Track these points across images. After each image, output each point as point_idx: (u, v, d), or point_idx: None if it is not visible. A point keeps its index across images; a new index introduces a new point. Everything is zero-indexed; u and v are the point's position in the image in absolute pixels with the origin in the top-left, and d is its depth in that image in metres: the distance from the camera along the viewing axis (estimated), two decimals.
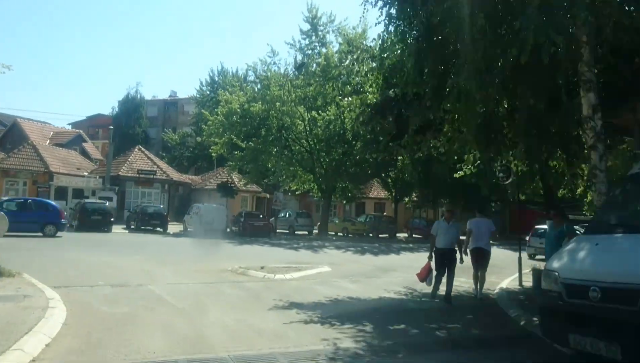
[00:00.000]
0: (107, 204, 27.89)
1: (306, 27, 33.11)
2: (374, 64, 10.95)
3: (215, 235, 26.32)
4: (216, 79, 58.93)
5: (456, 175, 14.79)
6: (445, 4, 6.53)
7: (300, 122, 33.22)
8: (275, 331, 6.76)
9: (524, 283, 12.53)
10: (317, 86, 33.20)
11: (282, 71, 34.54)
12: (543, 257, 21.21)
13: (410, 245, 27.87)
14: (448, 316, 8.34)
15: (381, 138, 11.44)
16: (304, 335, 6.64)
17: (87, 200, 28.78)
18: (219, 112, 33.57)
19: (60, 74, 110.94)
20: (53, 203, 23.44)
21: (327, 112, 32.79)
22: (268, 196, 43.76)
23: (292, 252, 20.50)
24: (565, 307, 4.90)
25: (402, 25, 7.21)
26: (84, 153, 45.42)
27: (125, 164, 37.47)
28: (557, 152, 10.22)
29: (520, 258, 13.32)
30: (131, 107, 61.67)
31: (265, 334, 6.58)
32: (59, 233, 21.56)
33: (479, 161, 12.97)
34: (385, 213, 41.58)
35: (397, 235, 35.52)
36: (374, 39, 8.18)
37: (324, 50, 32.30)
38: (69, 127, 58.77)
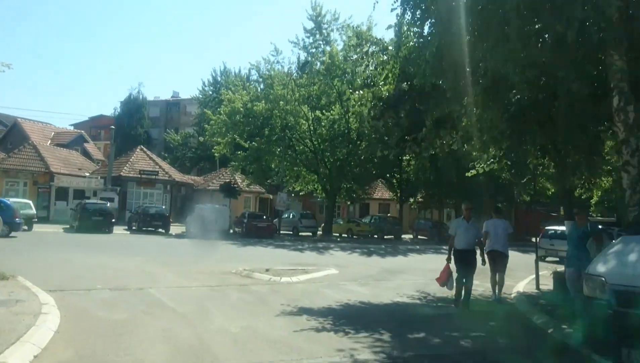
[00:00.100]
0: (108, 204, 27.42)
1: (310, 25, 32.62)
2: (385, 57, 10.40)
3: (218, 236, 25.85)
4: (219, 79, 58.56)
5: (468, 174, 14.25)
6: None
7: (304, 121, 32.73)
8: (285, 340, 6.24)
9: (541, 287, 12.01)
10: (321, 84, 32.76)
11: (286, 70, 34.08)
12: (554, 259, 20.81)
13: (417, 247, 27.31)
14: (469, 323, 7.80)
15: (394, 134, 10.89)
16: (316, 345, 6.11)
17: (87, 201, 28.29)
18: (222, 112, 33.09)
19: (62, 74, 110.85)
20: (7, 201, 22.12)
21: (332, 111, 32.33)
22: (271, 196, 43.26)
23: (297, 254, 19.99)
24: (616, 317, 4.34)
25: (420, 7, 6.62)
26: (86, 154, 44.99)
27: (127, 165, 37.00)
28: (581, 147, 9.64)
29: (537, 260, 12.81)
30: (133, 107, 61.38)
31: (274, 344, 6.05)
32: (13, 233, 20.34)
33: (494, 159, 12.40)
34: (389, 214, 41.03)
35: (403, 236, 34.95)
36: (390, 26, 7.63)
37: (328, 48, 31.80)
38: (71, 128, 58.42)
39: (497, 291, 10.40)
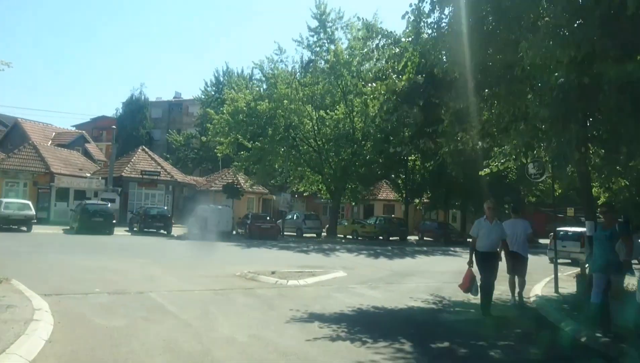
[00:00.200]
0: (109, 205, 26.92)
1: (314, 24, 32.10)
2: (397, 50, 9.85)
3: (220, 237, 25.36)
4: (221, 79, 58.19)
5: (482, 173, 13.67)
6: None
7: (308, 121, 32.27)
8: (297, 351, 5.70)
9: (560, 290, 11.46)
10: (325, 84, 32.31)
11: (290, 69, 33.58)
12: (566, 261, 20.25)
13: (424, 248, 26.74)
14: (493, 331, 7.25)
15: (407, 129, 10.34)
16: (333, 356, 5.57)
17: (88, 201, 27.79)
18: (225, 111, 32.61)
19: (64, 75, 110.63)
20: None
21: (336, 111, 31.86)
22: (274, 197, 42.77)
23: (302, 255, 19.47)
24: None
25: None
26: (87, 154, 44.52)
27: (129, 165, 36.51)
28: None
29: (555, 262, 12.24)
30: (135, 108, 61.02)
31: (286, 355, 5.52)
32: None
33: (510, 157, 11.83)
34: (393, 215, 40.47)
35: (408, 237, 34.38)
36: (407, 12, 7.09)
37: (332, 47, 31.33)
38: (73, 129, 58.00)
39: (516, 295, 9.88)
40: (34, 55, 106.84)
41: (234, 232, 29.27)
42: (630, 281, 8.56)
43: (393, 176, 36.27)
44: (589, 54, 4.84)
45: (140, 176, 36.11)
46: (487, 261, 8.20)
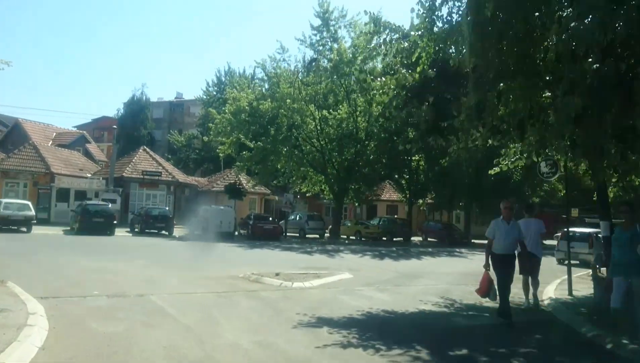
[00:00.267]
0: (109, 206, 26.60)
1: (317, 22, 31.74)
2: (406, 44, 9.48)
3: (223, 238, 25.04)
4: (223, 79, 57.89)
5: (491, 172, 13.32)
6: None
7: (310, 121, 31.91)
8: (307, 359, 5.35)
9: (573, 292, 11.10)
10: (328, 83, 31.98)
11: (292, 68, 33.22)
12: (574, 262, 19.83)
13: (429, 249, 26.36)
14: (512, 336, 6.88)
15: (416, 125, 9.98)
16: None
17: (88, 202, 27.47)
18: (227, 111, 32.25)
19: (66, 76, 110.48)
20: None
21: (339, 110, 31.51)
22: (276, 198, 42.43)
23: (306, 257, 19.12)
24: None
25: None
26: (88, 154, 44.21)
27: (130, 165, 36.19)
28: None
29: (569, 264, 11.88)
30: (136, 109, 60.69)
31: None
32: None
33: (522, 155, 11.45)
34: (395, 216, 40.11)
35: (412, 238, 33.99)
36: (419, 1, 6.74)
37: (335, 46, 30.97)
38: (74, 129, 57.72)
39: (530, 297, 9.53)
40: (36, 55, 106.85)
41: (236, 233, 28.92)
42: None
43: (397, 176, 35.88)
44: (627, 38, 4.50)
45: (142, 176, 35.80)
46: (504, 264, 7.76)
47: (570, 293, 11.10)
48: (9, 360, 4.67)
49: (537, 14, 5.83)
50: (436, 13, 7.03)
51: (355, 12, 43.04)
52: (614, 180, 12.55)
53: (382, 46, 10.10)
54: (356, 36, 30.75)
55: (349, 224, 34.92)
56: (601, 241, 23.47)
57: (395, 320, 7.82)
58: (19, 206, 23.78)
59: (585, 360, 6.03)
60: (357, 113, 31.83)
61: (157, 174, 36.58)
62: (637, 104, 4.95)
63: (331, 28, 31.55)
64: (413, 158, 34.38)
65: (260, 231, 27.51)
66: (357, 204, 39.48)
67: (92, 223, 24.19)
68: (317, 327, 6.92)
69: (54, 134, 45.62)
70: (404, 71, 9.28)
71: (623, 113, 5.27)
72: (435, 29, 8.13)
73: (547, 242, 32.41)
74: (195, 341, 5.96)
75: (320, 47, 31.90)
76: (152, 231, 27.11)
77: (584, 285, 12.47)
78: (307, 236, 31.83)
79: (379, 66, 26.43)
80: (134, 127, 58.47)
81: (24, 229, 23.17)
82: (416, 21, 9.28)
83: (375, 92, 11.72)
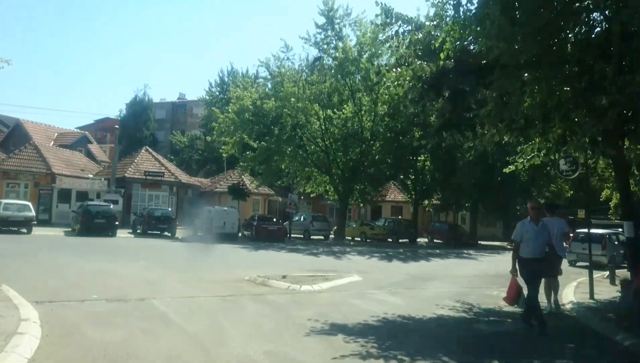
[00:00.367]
0: (111, 206, 26.13)
1: (321, 20, 31.28)
2: (420, 35, 9.01)
3: (226, 239, 24.57)
4: (226, 79, 57.43)
5: (506, 170, 12.84)
6: None
7: (315, 120, 31.46)
8: None
9: (595, 296, 10.58)
10: (333, 82, 31.54)
11: (297, 67, 32.77)
12: (586, 264, 19.34)
13: (437, 251, 25.82)
14: (542, 345, 6.36)
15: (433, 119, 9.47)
16: None
17: (90, 202, 27.02)
18: (230, 110, 31.79)
19: (68, 77, 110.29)
20: None
21: (344, 110, 31.06)
22: (280, 199, 41.96)
23: (313, 258, 18.61)
24: None
25: None
26: (90, 155, 43.79)
27: (132, 166, 35.73)
28: None
29: (591, 267, 11.35)
30: (139, 109, 60.30)
31: None
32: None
33: (539, 153, 10.97)
34: (399, 216, 39.58)
35: (418, 239, 33.44)
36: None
37: (340, 44, 30.51)
38: (76, 130, 57.33)
39: (552, 301, 9.02)
40: (39, 56, 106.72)
41: (240, 234, 28.43)
42: None
43: (402, 176, 35.35)
44: None
45: (144, 177, 35.33)
46: (533, 269, 7.12)
47: (592, 296, 10.58)
48: None
49: None
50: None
51: (360, 10, 42.64)
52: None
53: (394, 38, 9.63)
54: (362, 34, 30.32)
55: (354, 225, 34.42)
56: (614, 243, 22.89)
57: (414, 326, 7.30)
58: (19, 206, 23.34)
59: None
60: (362, 112, 31.39)
61: (159, 174, 36.13)
62: None
63: (336, 26, 31.10)
64: (419, 158, 33.90)
65: (265, 232, 27.02)
66: (361, 205, 38.97)
67: (93, 224, 23.75)
68: (331, 334, 6.41)
69: (56, 134, 45.19)
70: (419, 62, 8.80)
71: None
72: (461, 13, 7.67)
73: None
74: (200, 351, 5.48)
75: (325, 46, 31.45)
76: (154, 232, 26.65)
77: (602, 287, 11.99)
78: (311, 237, 31.31)
79: (389, 59, 25.96)
80: (137, 128, 58.09)
81: (24, 230, 22.75)
82: (432, 11, 8.82)
83: (389, 84, 11.29)
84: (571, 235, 22.73)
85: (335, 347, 5.76)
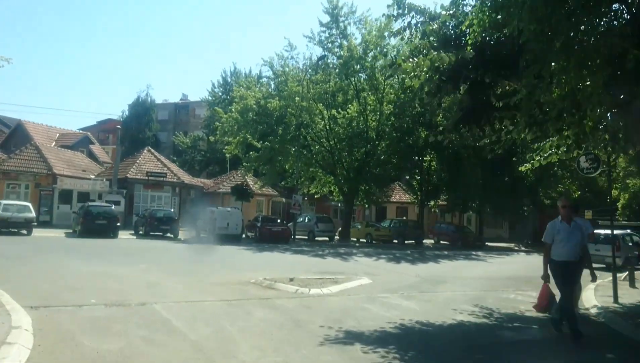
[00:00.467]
0: (113, 207, 25.67)
1: (326, 19, 30.84)
2: (435, 26, 8.54)
3: (230, 240, 24.11)
4: (229, 80, 57.09)
5: (522, 168, 12.37)
6: None
7: (319, 120, 31.01)
8: None
9: (619, 300, 10.09)
10: (337, 81, 31.12)
11: (301, 66, 32.34)
12: (600, 266, 18.79)
13: (445, 252, 25.29)
14: (581, 356, 5.84)
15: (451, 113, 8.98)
16: None
17: (91, 203, 26.56)
18: (234, 109, 31.35)
19: (70, 78, 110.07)
20: None
21: (349, 109, 30.61)
22: (284, 200, 41.50)
23: (319, 260, 18.13)
24: None
25: None
26: (91, 156, 43.33)
27: (134, 166, 35.28)
28: None
29: (614, 268, 10.85)
30: (141, 110, 60.09)
31: None
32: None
33: (557, 150, 10.47)
34: (404, 217, 39.04)
35: (424, 241, 32.90)
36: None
37: (345, 42, 30.07)
38: (78, 130, 56.95)
39: (578, 305, 8.52)
40: (40, 57, 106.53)
41: (243, 236, 27.95)
42: None
43: (408, 177, 34.85)
44: None
45: (146, 177, 34.89)
46: (568, 273, 6.50)
47: (615, 300, 10.11)
48: None
49: None
50: None
51: (366, 8, 42.31)
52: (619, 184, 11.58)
53: (407, 30, 9.17)
54: (367, 32, 29.88)
55: (359, 226, 33.93)
56: (628, 244, 22.33)
57: (435, 334, 6.80)
58: (19, 207, 22.91)
59: None
60: (368, 112, 30.95)
61: (162, 175, 35.69)
62: None
63: (341, 24, 30.71)
64: (425, 158, 33.41)
65: (269, 233, 26.53)
66: (366, 206, 38.47)
67: (94, 225, 23.31)
68: (347, 343, 5.91)
69: (57, 135, 44.73)
70: (435, 53, 8.32)
71: None
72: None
73: None
74: (205, 362, 4.99)
75: (330, 44, 31.06)
76: (156, 233, 26.19)
77: (622, 290, 11.45)
78: (316, 238, 30.81)
79: (394, 58, 25.58)
80: (139, 129, 57.83)
81: (24, 231, 22.33)
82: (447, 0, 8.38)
83: (403, 76, 10.77)
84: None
85: (353, 358, 5.27)
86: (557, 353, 6.05)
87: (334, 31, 30.94)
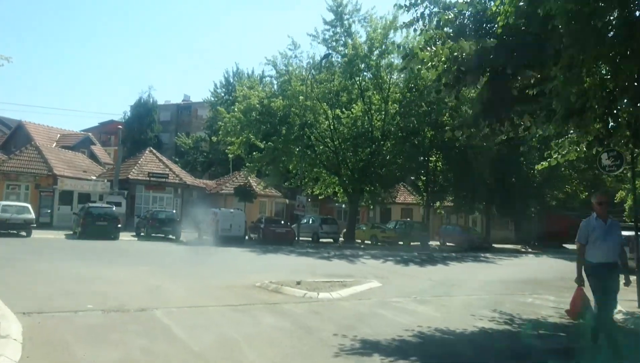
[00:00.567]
0: (114, 208, 25.21)
1: (330, 17, 30.33)
2: (451, 15, 8.08)
3: (233, 242, 23.61)
4: (231, 80, 56.64)
5: (538, 167, 11.90)
6: None
7: (323, 119, 30.50)
8: None
9: None
10: (341, 80, 30.64)
11: (304, 65, 31.84)
12: None
13: (453, 254, 24.76)
14: None
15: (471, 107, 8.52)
16: None
17: (92, 204, 26.10)
18: (237, 109, 30.87)
19: (71, 79, 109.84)
20: None
21: (353, 109, 30.12)
22: (287, 201, 41.00)
23: (325, 262, 17.64)
24: None
25: None
26: (93, 156, 42.90)
27: (135, 167, 34.81)
28: None
29: (639, 271, 10.29)
30: (143, 111, 59.62)
31: None
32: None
33: (577, 147, 9.99)
34: (408, 219, 38.49)
35: (430, 242, 32.37)
36: None
37: (350, 41, 29.58)
38: (79, 131, 56.59)
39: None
40: (42, 57, 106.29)
41: (247, 237, 27.46)
42: None
43: (413, 177, 34.32)
44: None
45: (148, 178, 34.43)
46: (605, 276, 5.79)
47: None
48: None
49: None
50: None
51: (370, 6, 41.77)
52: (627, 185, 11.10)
53: (420, 21, 8.71)
54: (372, 30, 29.39)
55: (364, 228, 33.40)
56: None
57: (457, 343, 6.30)
58: (18, 208, 22.45)
59: None
60: (372, 111, 30.45)
61: (163, 176, 35.22)
62: None
63: (345, 22, 30.15)
64: (431, 159, 32.89)
65: (273, 235, 26.04)
66: (371, 207, 37.91)
67: (95, 226, 22.83)
68: (364, 354, 5.41)
69: (58, 135, 44.32)
70: (452, 43, 7.84)
71: None
72: None
73: (570, 246, 30.95)
74: None
75: (334, 43, 30.51)
76: (158, 235, 25.72)
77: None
78: (320, 240, 30.29)
79: (399, 56, 25.15)
80: (141, 130, 57.37)
81: (24, 233, 21.87)
82: None
83: (419, 67, 10.38)
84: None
85: None
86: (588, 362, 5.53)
87: (338, 29, 30.40)
